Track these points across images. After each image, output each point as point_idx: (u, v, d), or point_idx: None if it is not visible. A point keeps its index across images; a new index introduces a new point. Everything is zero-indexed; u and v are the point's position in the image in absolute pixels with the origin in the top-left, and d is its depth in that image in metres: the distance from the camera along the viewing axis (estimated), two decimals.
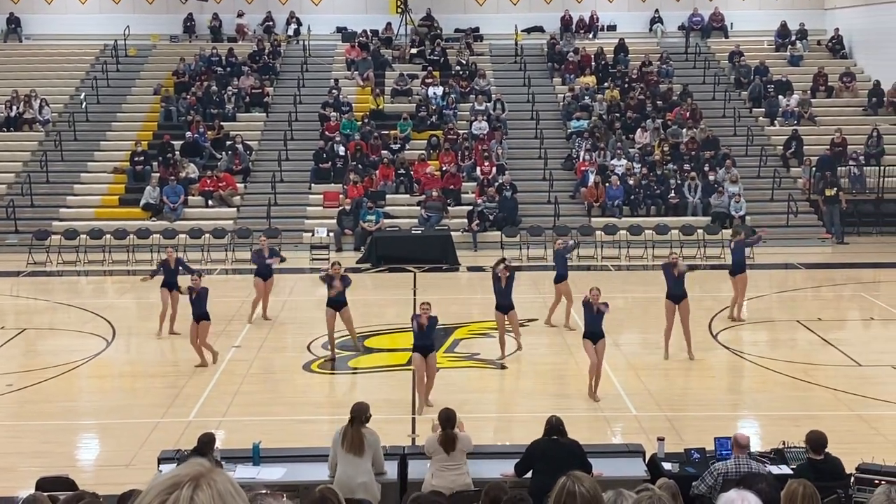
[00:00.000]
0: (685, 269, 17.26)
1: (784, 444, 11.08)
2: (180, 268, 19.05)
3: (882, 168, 29.42)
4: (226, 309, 19.76)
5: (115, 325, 19.57)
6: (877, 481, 9.20)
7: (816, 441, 9.91)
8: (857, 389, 15.49)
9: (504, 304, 17.01)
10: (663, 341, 17.11)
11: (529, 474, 10.12)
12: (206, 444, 10.35)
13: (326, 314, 17.33)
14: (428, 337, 14.69)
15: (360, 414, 10.35)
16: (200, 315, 16.85)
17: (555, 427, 10.23)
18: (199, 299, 16.80)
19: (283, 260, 20.19)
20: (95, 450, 13.94)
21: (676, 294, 16.95)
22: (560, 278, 18.87)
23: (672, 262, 17.25)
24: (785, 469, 10.35)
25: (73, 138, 31.15)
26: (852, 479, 9.91)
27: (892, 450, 12.12)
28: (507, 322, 17.11)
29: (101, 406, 15.47)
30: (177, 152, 29.80)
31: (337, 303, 17.29)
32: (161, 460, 10.88)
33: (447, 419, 10.48)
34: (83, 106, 32.47)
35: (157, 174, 28.87)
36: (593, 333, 14.95)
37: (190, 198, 28.50)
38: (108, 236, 26.28)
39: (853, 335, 19.30)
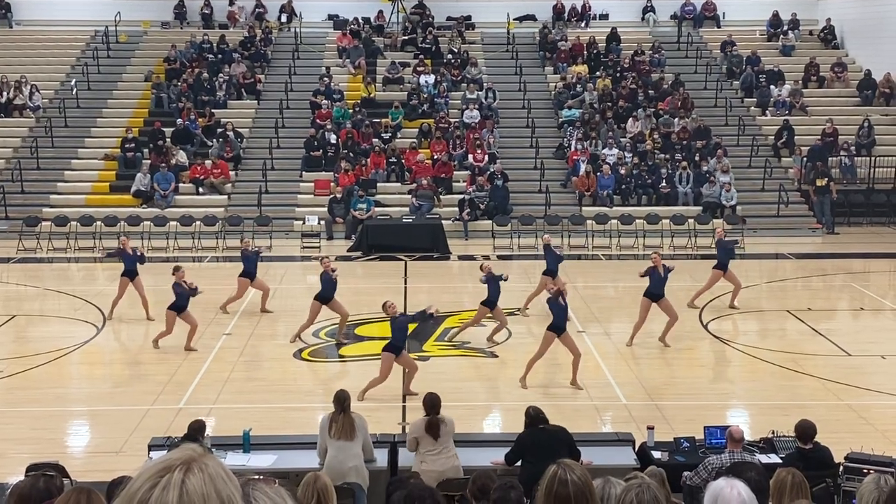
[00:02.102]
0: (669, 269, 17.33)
1: (773, 433, 11.13)
2: (139, 254, 19.19)
3: (873, 158, 29.50)
4: (216, 297, 19.71)
5: (105, 311, 19.52)
6: (865, 470, 9.24)
7: (805, 430, 9.95)
8: (846, 379, 15.55)
9: (493, 301, 17.20)
10: (632, 330, 17.17)
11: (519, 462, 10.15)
12: (196, 431, 10.36)
13: (312, 306, 17.44)
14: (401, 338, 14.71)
15: (346, 401, 10.36)
16: (183, 307, 16.92)
17: (535, 417, 10.23)
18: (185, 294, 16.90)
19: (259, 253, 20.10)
20: (86, 436, 13.93)
21: (656, 294, 16.95)
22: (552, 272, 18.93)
23: (655, 263, 17.09)
24: (774, 458, 10.39)
25: (63, 124, 31.05)
26: (841, 468, 9.95)
27: (880, 439, 12.19)
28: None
29: (91, 393, 15.47)
30: (167, 139, 29.74)
31: (324, 298, 17.40)
32: (151, 447, 10.88)
33: (432, 405, 10.49)
34: (74, 92, 32.34)
35: (148, 161, 28.80)
36: (559, 327, 14.89)
37: (181, 185, 28.45)
38: (98, 223, 26.23)
39: (843, 325, 19.36)
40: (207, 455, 2.20)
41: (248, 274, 19.32)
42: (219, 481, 2.17)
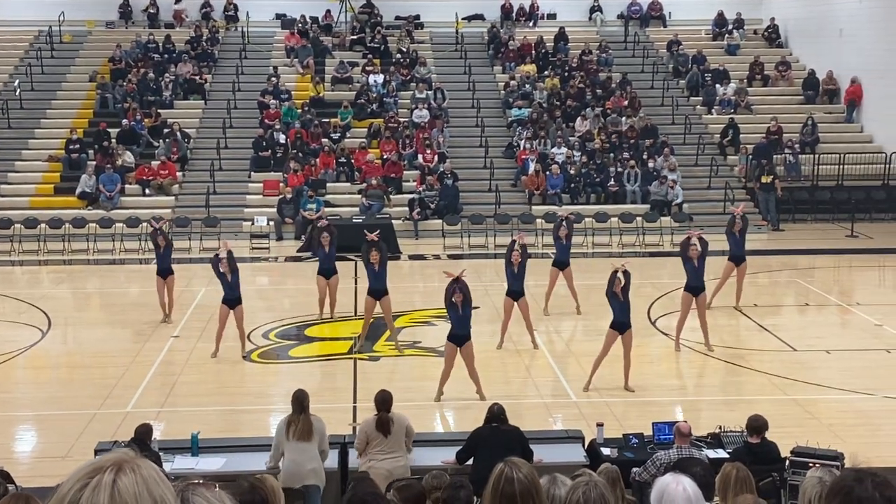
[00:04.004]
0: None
1: (720, 428, 11.25)
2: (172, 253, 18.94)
3: (816, 156, 29.89)
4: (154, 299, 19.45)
5: (50, 315, 19.27)
6: (811, 464, 9.35)
7: (755, 424, 10.06)
8: (792, 374, 15.75)
9: (515, 291, 16.72)
10: (676, 330, 17.11)
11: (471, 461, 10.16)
12: (143, 435, 10.26)
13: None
14: (466, 325, 14.18)
15: (305, 401, 10.26)
16: (235, 298, 16.54)
17: (496, 415, 10.28)
18: (231, 282, 16.48)
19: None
20: (31, 442, 13.77)
21: (695, 287, 16.89)
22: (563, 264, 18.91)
23: (692, 255, 16.81)
24: (721, 453, 10.51)
25: (6, 126, 30.56)
26: (787, 462, 10.08)
27: (826, 433, 12.36)
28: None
29: (36, 397, 15.26)
30: (113, 140, 29.39)
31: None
32: (98, 452, 10.73)
33: (383, 401, 10.43)
34: (17, 93, 31.84)
35: (93, 162, 28.43)
36: (622, 323, 14.70)
37: (126, 186, 28.14)
38: (42, 225, 25.80)
39: (788, 321, 19.60)
40: (141, 458, 2.17)
41: (323, 272, 18.62)
42: (151, 483, 2.13)
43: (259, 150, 29.32)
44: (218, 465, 10.57)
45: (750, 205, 28.66)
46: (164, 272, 18.68)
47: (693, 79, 33.44)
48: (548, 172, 28.31)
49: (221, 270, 16.51)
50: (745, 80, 33.59)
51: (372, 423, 10.32)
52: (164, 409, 14.35)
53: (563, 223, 19.37)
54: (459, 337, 14.18)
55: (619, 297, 14.65)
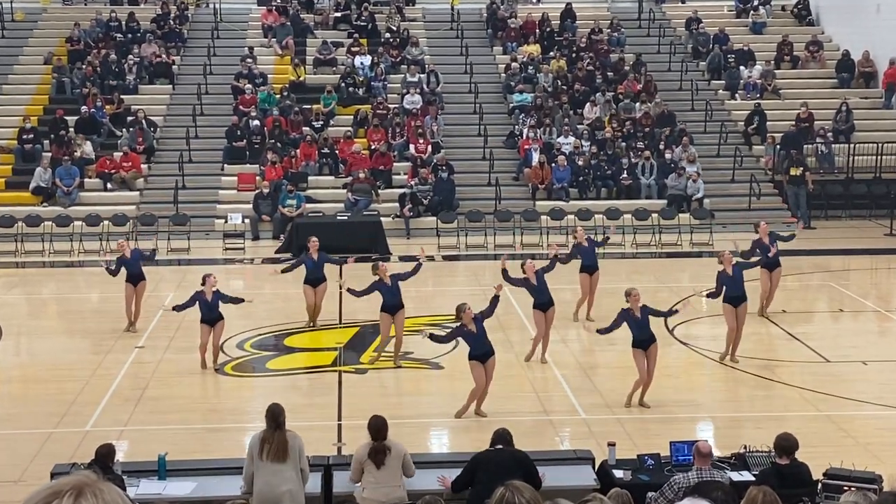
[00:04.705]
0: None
1: (746, 448, 11.25)
2: (141, 259, 18.95)
3: (851, 146, 29.89)
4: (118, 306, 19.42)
5: (1, 323, 19.20)
6: (846, 487, 9.36)
7: (785, 443, 10.04)
8: (825, 388, 15.75)
9: (543, 302, 16.78)
10: (726, 344, 17.13)
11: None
12: (105, 457, 10.24)
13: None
14: (486, 341, 14.37)
15: (280, 416, 10.23)
16: (215, 318, 16.53)
17: (502, 436, 10.25)
18: (211, 302, 16.48)
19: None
20: None
21: (736, 297, 16.93)
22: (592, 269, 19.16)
23: (724, 263, 17.11)
24: (746, 476, 10.51)
25: None
26: (819, 485, 10.08)
27: (862, 453, 12.36)
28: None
29: None
30: (71, 129, 29.38)
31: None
32: (55, 475, 10.72)
33: (377, 429, 10.38)
34: None
35: (49, 154, 28.45)
36: (642, 340, 14.72)
37: (86, 180, 28.13)
38: None
39: (821, 329, 19.62)
40: (103, 482, 2.16)
41: (311, 282, 18.76)
42: None
43: (233, 140, 29.32)
44: (188, 489, 10.56)
45: (777, 200, 28.73)
46: (135, 279, 18.64)
47: (714, 60, 33.47)
48: (553, 164, 28.32)
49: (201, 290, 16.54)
50: (773, 62, 33.62)
51: (364, 452, 10.27)
52: (128, 427, 14.33)
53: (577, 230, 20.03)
54: (483, 355, 14.28)
55: (635, 316, 14.65)
